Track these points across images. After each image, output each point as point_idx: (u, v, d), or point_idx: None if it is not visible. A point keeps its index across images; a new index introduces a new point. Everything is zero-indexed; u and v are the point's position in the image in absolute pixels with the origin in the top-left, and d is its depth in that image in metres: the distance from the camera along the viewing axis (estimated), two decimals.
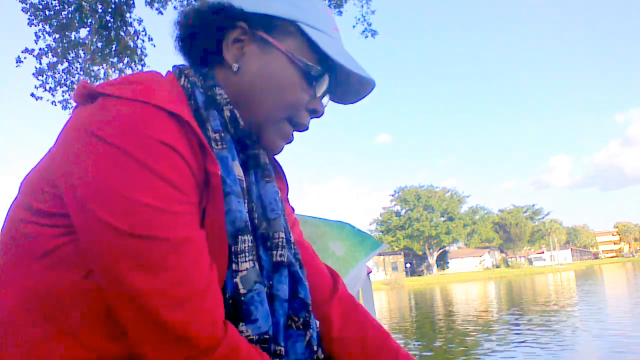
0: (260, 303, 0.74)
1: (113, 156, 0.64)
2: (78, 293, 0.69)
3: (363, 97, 0.91)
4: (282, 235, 0.83)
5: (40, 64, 7.76)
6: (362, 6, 8.46)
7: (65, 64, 7.88)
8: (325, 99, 0.89)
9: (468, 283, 47.06)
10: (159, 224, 0.64)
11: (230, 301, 0.73)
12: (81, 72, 8.00)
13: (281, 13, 0.80)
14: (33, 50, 7.65)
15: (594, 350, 7.33)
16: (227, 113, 0.78)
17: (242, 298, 0.73)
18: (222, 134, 0.76)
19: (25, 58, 7.60)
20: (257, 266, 0.76)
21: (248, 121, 0.81)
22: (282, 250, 0.82)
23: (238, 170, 0.77)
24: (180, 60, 0.86)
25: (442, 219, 74.40)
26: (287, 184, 0.99)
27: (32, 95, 7.83)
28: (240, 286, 0.73)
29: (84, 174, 0.65)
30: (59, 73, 7.90)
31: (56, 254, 0.69)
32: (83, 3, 7.48)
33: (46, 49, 7.72)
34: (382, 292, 41.77)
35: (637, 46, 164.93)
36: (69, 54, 7.84)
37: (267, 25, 0.81)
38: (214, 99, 0.78)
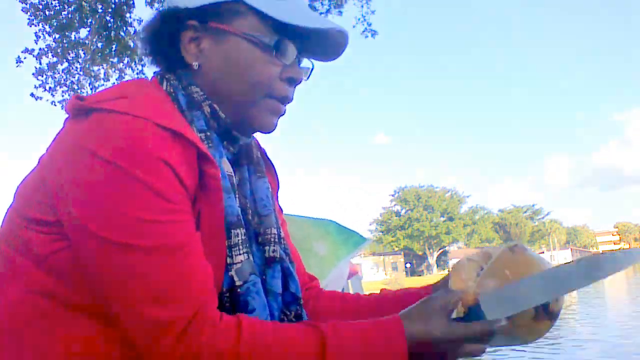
0: (257, 293, 0.76)
1: (107, 172, 0.66)
2: (73, 296, 0.70)
3: (343, 49, 0.88)
4: (274, 231, 0.86)
5: (40, 64, 7.78)
6: (362, 6, 8.46)
7: (65, 64, 7.90)
8: (306, 63, 0.89)
9: None
10: (152, 234, 0.66)
11: (228, 294, 0.74)
12: (81, 72, 8.01)
13: None
14: (33, 50, 7.66)
15: (593, 352, 7.33)
16: (207, 109, 0.80)
17: (239, 290, 0.75)
18: (208, 133, 0.78)
19: (25, 58, 7.62)
20: (251, 258, 0.78)
21: (230, 112, 0.82)
22: (274, 245, 0.85)
23: (227, 167, 0.79)
24: None
25: (442, 219, 74.34)
26: (279, 182, 1.01)
27: (32, 95, 7.84)
28: (235, 278, 0.75)
29: (79, 190, 0.67)
30: (59, 73, 7.91)
31: (51, 259, 0.71)
32: (83, 3, 7.49)
33: (46, 49, 7.73)
34: None
35: (637, 45, 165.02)
36: (69, 54, 7.85)
37: (216, 13, 0.80)
38: (193, 97, 0.80)
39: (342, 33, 0.84)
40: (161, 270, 0.66)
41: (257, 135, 0.93)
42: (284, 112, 0.86)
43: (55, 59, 7.83)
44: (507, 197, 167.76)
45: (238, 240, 0.76)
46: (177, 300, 0.66)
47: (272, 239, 0.85)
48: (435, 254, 75.04)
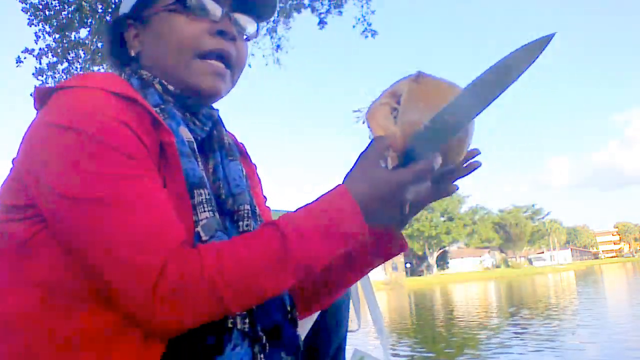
0: None
1: (67, 137, 0.71)
2: (56, 280, 0.73)
3: (274, 2, 0.93)
4: (247, 207, 0.90)
5: (40, 64, 7.76)
6: (362, 6, 8.44)
7: (65, 64, 7.88)
8: (241, 19, 0.92)
9: (468, 283, 47.05)
10: (112, 187, 0.69)
11: None
12: (81, 72, 8.00)
13: None
14: (33, 50, 7.64)
15: (593, 354, 7.33)
16: (158, 87, 0.86)
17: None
18: (162, 106, 0.84)
19: (25, 58, 7.60)
20: (217, 216, 0.80)
21: (175, 83, 0.87)
22: (247, 220, 0.89)
23: (186, 134, 0.83)
24: None
25: (442, 219, 74.29)
26: (255, 165, 1.07)
27: (32, 95, 7.82)
28: (202, 234, 0.78)
29: (40, 157, 0.72)
30: (59, 73, 7.89)
31: (32, 243, 0.74)
32: (83, 3, 7.48)
33: (46, 49, 7.71)
34: (382, 292, 41.80)
35: (637, 46, 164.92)
36: (69, 54, 7.83)
37: (144, 4, 0.89)
38: (143, 79, 0.87)
39: None
40: (130, 219, 0.68)
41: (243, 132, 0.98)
42: (226, 72, 0.88)
43: (55, 59, 7.82)
44: (507, 197, 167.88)
45: (202, 199, 0.79)
46: (150, 246, 0.68)
47: (245, 214, 0.89)
48: (435, 254, 75.02)
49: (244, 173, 0.96)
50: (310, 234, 0.71)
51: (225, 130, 0.99)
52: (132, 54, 0.90)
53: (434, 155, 0.75)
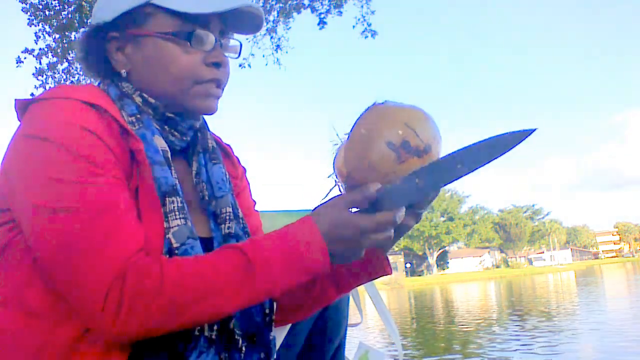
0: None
1: (35, 145, 0.74)
2: (33, 276, 0.75)
3: (261, 20, 0.92)
4: (229, 209, 0.92)
5: (40, 64, 7.76)
6: (362, 6, 8.44)
7: (65, 64, 7.88)
8: (230, 42, 0.92)
9: (468, 283, 47.03)
10: (75, 195, 0.71)
11: (167, 256, 0.78)
12: (81, 72, 7.99)
13: (133, 3, 0.86)
14: (33, 50, 7.65)
15: (593, 352, 7.33)
16: (138, 99, 0.87)
17: (176, 251, 0.79)
18: (138, 116, 0.86)
19: (25, 58, 7.61)
20: (189, 224, 0.82)
21: (167, 102, 0.88)
22: (229, 223, 0.91)
23: (160, 143, 0.85)
24: None
25: (442, 219, 74.27)
26: (244, 168, 1.09)
27: (32, 95, 7.82)
28: (173, 241, 0.79)
29: (12, 165, 0.76)
30: (59, 73, 7.90)
31: (9, 248, 0.77)
32: (83, 3, 7.47)
33: (46, 49, 7.71)
34: (382, 292, 41.75)
35: (636, 46, 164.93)
36: (69, 54, 7.83)
37: (131, 21, 0.87)
38: (123, 91, 0.88)
39: (251, 6, 0.88)
40: (89, 228, 0.70)
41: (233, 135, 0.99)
42: (220, 93, 0.91)
43: (55, 59, 7.82)
44: (507, 197, 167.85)
45: (174, 207, 0.81)
46: (108, 255, 0.69)
47: (228, 217, 0.91)
48: (435, 254, 75.00)
49: (227, 176, 0.98)
50: (276, 263, 0.73)
51: (211, 133, 1.01)
52: (121, 70, 0.89)
53: (397, 209, 0.77)
